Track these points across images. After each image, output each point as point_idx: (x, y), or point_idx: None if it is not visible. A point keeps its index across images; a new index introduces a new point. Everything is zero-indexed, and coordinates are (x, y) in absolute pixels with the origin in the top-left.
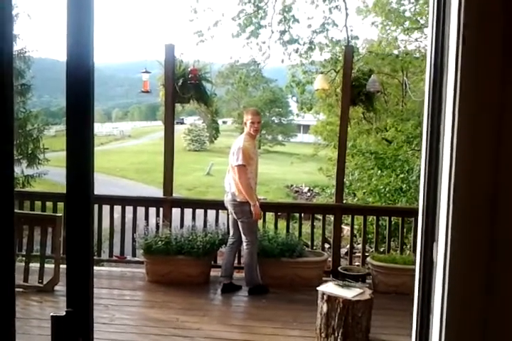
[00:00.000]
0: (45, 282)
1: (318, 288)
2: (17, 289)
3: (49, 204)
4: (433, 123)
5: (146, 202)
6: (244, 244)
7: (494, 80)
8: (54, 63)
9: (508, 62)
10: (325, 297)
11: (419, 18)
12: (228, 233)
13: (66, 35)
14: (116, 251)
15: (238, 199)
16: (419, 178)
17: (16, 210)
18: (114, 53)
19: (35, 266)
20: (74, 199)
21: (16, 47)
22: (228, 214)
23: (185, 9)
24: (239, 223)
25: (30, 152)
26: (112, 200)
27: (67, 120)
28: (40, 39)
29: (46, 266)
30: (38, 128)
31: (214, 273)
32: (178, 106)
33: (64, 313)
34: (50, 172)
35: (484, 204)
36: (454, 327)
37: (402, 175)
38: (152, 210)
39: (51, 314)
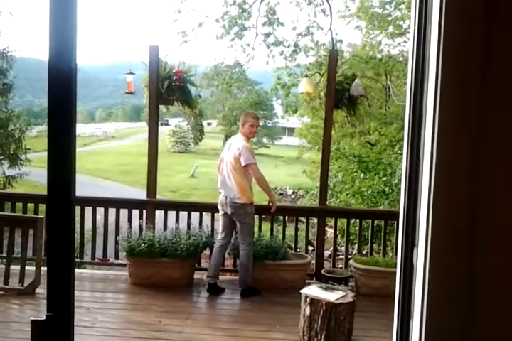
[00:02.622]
0: (25, 284)
1: (301, 291)
2: None
3: (30, 205)
4: (414, 128)
5: (130, 204)
6: (241, 245)
7: (474, 85)
8: (37, 63)
9: (487, 67)
10: (308, 300)
11: (402, 23)
12: (212, 236)
13: (48, 35)
14: (99, 253)
15: (241, 202)
16: (401, 181)
17: None
18: (99, 54)
19: (15, 268)
20: (55, 201)
21: None
22: (215, 216)
23: (170, 10)
24: (239, 225)
25: (12, 152)
26: (94, 202)
27: (49, 121)
28: (23, 38)
29: (27, 268)
30: (20, 129)
31: (197, 275)
32: (163, 108)
33: (44, 317)
34: (32, 173)
35: (464, 210)
36: (433, 333)
37: (384, 178)
38: (135, 212)
39: (31, 318)
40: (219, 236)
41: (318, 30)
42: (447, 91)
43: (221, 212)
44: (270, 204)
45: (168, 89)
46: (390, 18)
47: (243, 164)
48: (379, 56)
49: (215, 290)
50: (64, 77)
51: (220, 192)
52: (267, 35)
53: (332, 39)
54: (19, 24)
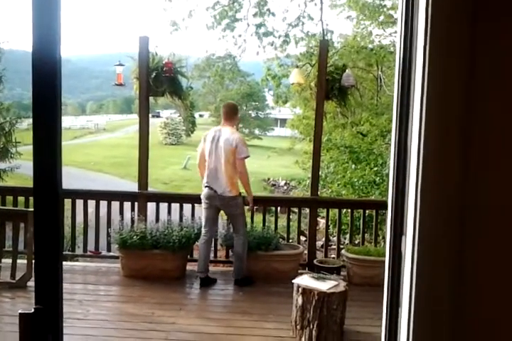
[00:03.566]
0: (17, 278)
1: (293, 281)
2: None
3: (21, 199)
4: (402, 118)
5: (121, 196)
6: (236, 236)
7: (462, 76)
8: (26, 55)
9: (474, 57)
10: (300, 289)
11: (393, 12)
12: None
13: (32, 25)
14: (91, 246)
15: (231, 194)
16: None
17: None
18: (89, 45)
19: (7, 261)
20: (41, 194)
21: None
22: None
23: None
24: (232, 216)
25: (2, 146)
26: (86, 195)
27: (34, 112)
28: (12, 29)
29: (19, 261)
30: (10, 122)
31: (190, 267)
32: (152, 99)
33: (32, 310)
34: (22, 166)
35: (452, 198)
36: (421, 320)
37: (375, 169)
38: (127, 205)
39: (19, 311)
40: (202, 230)
41: (308, 20)
42: (434, 81)
43: (205, 205)
44: (248, 200)
45: (156, 81)
46: (380, 8)
47: (241, 156)
48: (370, 46)
49: (207, 284)
50: (48, 68)
51: (207, 186)
52: (258, 26)
53: (323, 29)
54: (7, 15)
